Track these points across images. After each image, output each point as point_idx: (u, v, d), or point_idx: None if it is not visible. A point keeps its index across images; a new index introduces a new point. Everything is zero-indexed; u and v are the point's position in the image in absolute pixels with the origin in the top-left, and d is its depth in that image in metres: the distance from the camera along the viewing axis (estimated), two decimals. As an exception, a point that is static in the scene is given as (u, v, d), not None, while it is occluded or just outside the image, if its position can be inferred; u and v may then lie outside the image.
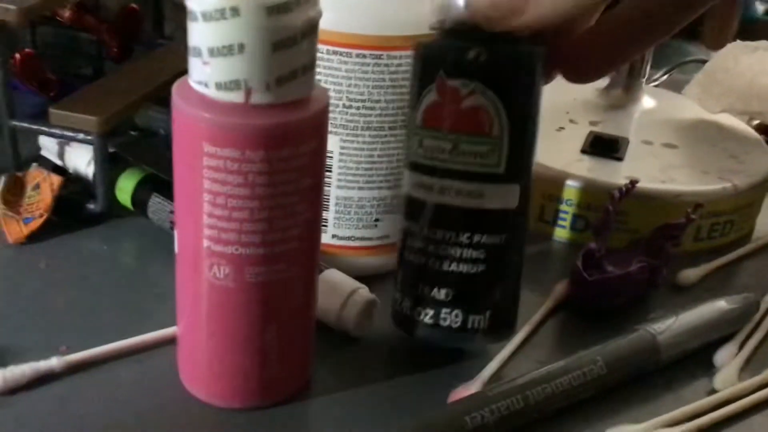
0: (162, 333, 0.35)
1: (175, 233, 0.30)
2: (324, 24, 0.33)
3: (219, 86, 0.26)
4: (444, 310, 0.33)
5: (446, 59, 0.31)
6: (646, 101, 0.54)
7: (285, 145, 0.27)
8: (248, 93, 0.26)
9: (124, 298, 0.38)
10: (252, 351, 0.31)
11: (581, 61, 0.32)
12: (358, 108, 0.36)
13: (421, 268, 0.33)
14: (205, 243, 0.28)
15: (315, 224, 0.30)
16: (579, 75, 0.33)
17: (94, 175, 0.43)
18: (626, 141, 0.49)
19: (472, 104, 0.31)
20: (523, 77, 0.31)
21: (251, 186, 0.27)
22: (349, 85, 0.35)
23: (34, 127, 0.43)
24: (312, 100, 0.28)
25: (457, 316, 0.33)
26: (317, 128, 0.28)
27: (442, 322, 0.33)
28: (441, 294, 0.33)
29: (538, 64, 0.31)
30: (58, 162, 0.46)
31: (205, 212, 0.28)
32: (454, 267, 0.33)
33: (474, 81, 0.30)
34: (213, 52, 0.26)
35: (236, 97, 0.26)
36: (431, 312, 0.33)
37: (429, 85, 0.31)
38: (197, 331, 0.31)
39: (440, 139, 0.31)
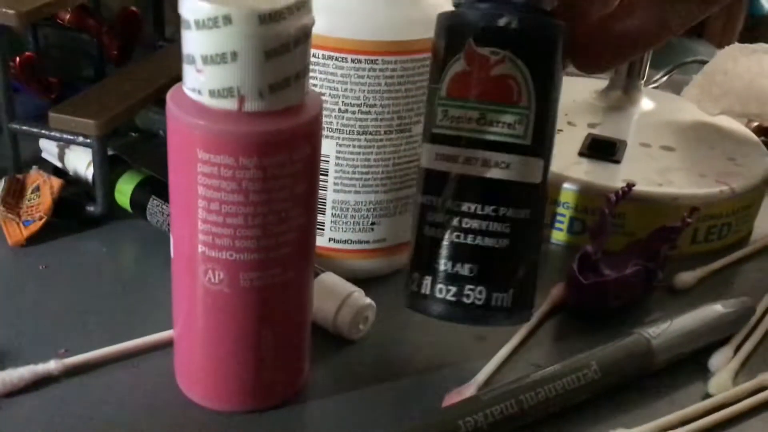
0: (159, 336, 0.35)
1: (171, 238, 0.30)
2: (319, 29, 0.34)
3: (212, 93, 0.27)
4: (468, 287, 0.32)
5: (477, 27, 0.30)
6: (645, 103, 0.54)
7: (278, 152, 0.28)
8: (241, 100, 0.27)
9: (123, 300, 0.38)
10: (247, 355, 0.31)
11: (594, 48, 0.32)
12: (353, 112, 0.36)
13: (443, 243, 0.32)
14: (200, 248, 0.29)
15: (309, 229, 0.30)
16: (590, 63, 0.33)
17: (94, 177, 0.43)
18: (624, 144, 0.49)
19: (502, 72, 0.30)
20: (551, 49, 0.31)
21: (245, 192, 0.28)
22: (345, 90, 0.35)
23: (34, 129, 0.43)
24: (305, 106, 0.28)
25: (480, 293, 0.32)
26: (310, 135, 0.29)
27: (465, 299, 0.32)
28: (465, 269, 0.32)
29: (563, 38, 0.31)
30: (59, 164, 0.47)
31: (200, 218, 0.28)
32: (479, 241, 0.32)
33: (505, 49, 0.30)
34: (206, 60, 0.26)
35: (229, 104, 0.27)
36: (454, 289, 0.32)
37: (456, 55, 0.31)
38: (193, 335, 0.31)
39: (467, 108, 0.31)
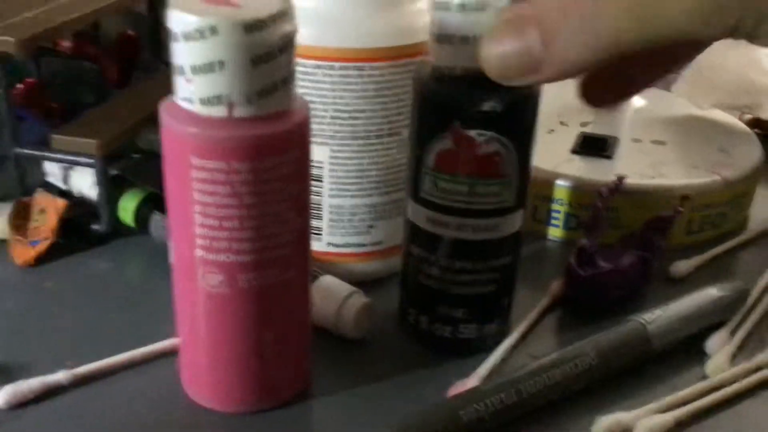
0: (164, 344, 0.36)
1: (171, 245, 0.31)
2: (307, 39, 0.35)
3: (203, 102, 0.28)
4: (462, 326, 0.36)
5: (462, 110, 0.32)
6: (636, 100, 0.55)
7: (269, 155, 0.28)
8: (231, 107, 0.28)
9: (129, 313, 0.39)
10: (250, 355, 0.32)
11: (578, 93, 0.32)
12: (344, 119, 0.37)
13: (438, 293, 0.35)
14: (198, 252, 0.30)
15: (304, 229, 0.31)
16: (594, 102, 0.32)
17: (98, 196, 0.44)
18: (615, 140, 0.49)
19: (489, 151, 0.32)
20: (531, 119, 0.33)
21: (239, 196, 0.29)
22: (335, 97, 0.36)
23: (38, 153, 0.44)
24: (293, 110, 0.29)
25: (473, 329, 0.36)
26: (300, 137, 0.30)
27: (460, 335, 0.36)
28: (459, 313, 0.36)
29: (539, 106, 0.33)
30: (63, 187, 0.48)
31: (197, 223, 0.29)
32: (471, 290, 0.35)
33: (490, 131, 0.32)
34: (195, 70, 0.27)
35: (220, 111, 0.28)
36: (449, 328, 0.36)
37: (441, 131, 0.32)
38: (196, 339, 0.32)
39: (456, 182, 0.33)
